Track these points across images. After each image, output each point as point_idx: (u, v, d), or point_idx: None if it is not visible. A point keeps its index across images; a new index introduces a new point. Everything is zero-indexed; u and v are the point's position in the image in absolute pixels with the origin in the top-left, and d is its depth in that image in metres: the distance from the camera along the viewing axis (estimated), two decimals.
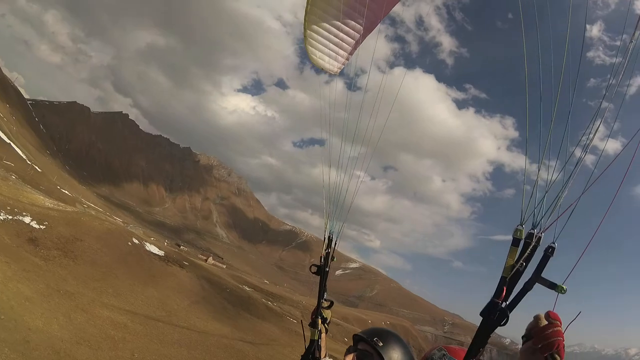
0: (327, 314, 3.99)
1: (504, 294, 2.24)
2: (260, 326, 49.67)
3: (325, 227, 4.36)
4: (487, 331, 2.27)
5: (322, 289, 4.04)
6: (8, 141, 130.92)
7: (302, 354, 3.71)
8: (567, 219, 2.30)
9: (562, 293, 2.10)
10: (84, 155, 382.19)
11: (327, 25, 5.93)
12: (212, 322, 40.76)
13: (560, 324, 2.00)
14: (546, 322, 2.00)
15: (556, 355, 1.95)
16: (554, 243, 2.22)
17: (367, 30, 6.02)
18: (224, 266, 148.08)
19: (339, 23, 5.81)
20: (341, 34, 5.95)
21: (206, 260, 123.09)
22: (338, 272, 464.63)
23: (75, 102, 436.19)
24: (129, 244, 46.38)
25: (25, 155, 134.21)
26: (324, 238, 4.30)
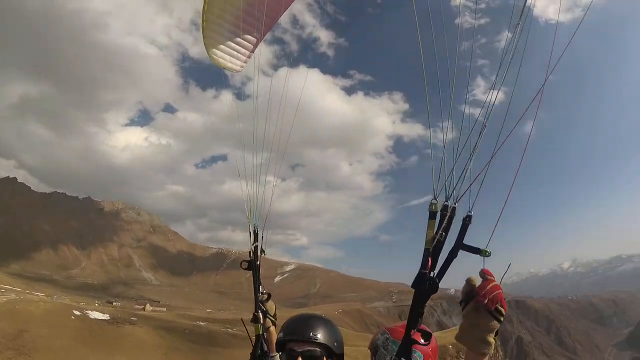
0: (268, 307, 3.91)
1: (429, 264, 2.30)
2: (231, 354, 49.21)
3: (249, 222, 4.36)
4: (422, 301, 2.32)
5: (257, 282, 4.00)
6: None
7: (251, 351, 3.62)
8: (479, 187, 2.36)
9: (487, 256, 2.15)
10: None
11: (226, 24, 5.83)
12: None
13: (494, 278, 2.08)
14: (480, 282, 2.09)
15: (500, 307, 2.04)
16: (470, 212, 2.33)
17: (267, 27, 5.96)
18: (164, 309, 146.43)
19: (238, 21, 5.68)
20: (240, 32, 5.83)
21: (144, 309, 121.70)
22: (277, 278, 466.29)
23: None
24: (73, 317, 43.97)
25: None
26: (249, 233, 4.30)
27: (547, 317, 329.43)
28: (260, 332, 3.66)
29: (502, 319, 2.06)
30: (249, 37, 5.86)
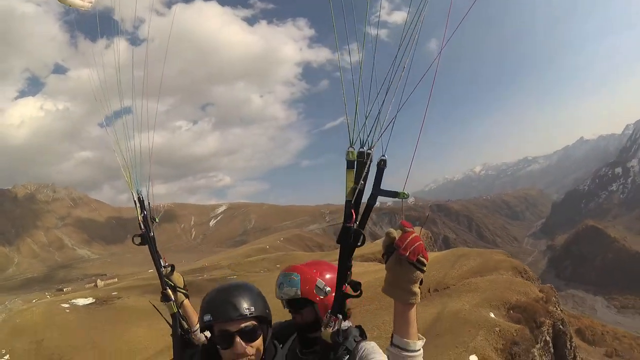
0: (176, 279, 3.56)
1: (354, 217, 2.24)
2: None
3: (131, 190, 3.92)
4: (349, 254, 2.30)
5: (155, 256, 3.62)
6: None
7: (171, 333, 3.29)
8: (390, 131, 2.23)
9: (405, 198, 2.15)
10: None
11: None
12: None
13: (414, 229, 2.05)
14: (399, 234, 2.05)
15: (422, 258, 2.00)
16: (384, 155, 2.24)
17: None
18: (115, 279, 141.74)
19: None
20: None
21: (96, 286, 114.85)
22: (211, 222, 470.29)
23: None
24: (68, 311, 46.52)
25: None
26: (134, 202, 3.88)
27: (466, 217, 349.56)
28: (176, 310, 3.40)
29: (424, 268, 2.04)
30: None
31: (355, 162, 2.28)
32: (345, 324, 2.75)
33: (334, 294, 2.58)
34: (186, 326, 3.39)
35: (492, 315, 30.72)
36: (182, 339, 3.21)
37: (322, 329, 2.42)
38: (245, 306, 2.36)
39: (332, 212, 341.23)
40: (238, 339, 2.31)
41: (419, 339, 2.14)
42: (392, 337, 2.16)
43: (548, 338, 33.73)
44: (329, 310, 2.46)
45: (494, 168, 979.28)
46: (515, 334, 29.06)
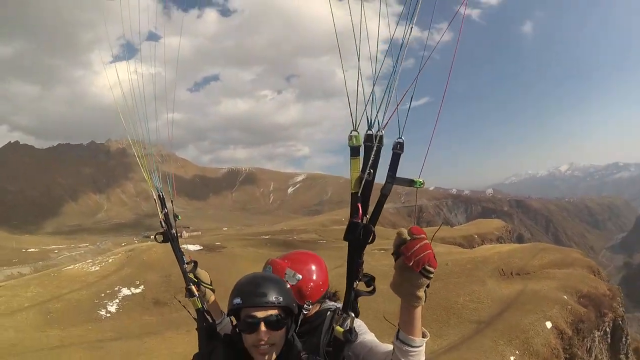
0: (201, 275, 3.43)
1: (360, 211, 2.07)
2: (325, 253, 51.60)
3: (151, 188, 3.68)
4: (358, 253, 2.12)
5: (179, 253, 3.51)
6: None
7: (196, 327, 3.20)
8: (409, 105, 1.98)
9: (420, 186, 1.95)
10: (2, 205, 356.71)
11: None
12: None
13: (425, 236, 1.92)
14: (410, 238, 1.94)
15: (428, 268, 1.91)
16: (400, 137, 1.99)
17: None
18: (199, 232, 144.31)
19: None
20: None
21: (181, 236, 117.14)
22: (289, 190, 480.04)
23: None
24: (189, 257, 49.35)
25: None
26: (154, 199, 3.66)
27: (545, 217, 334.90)
28: (200, 306, 3.28)
29: (431, 276, 1.94)
30: None
31: (362, 148, 2.05)
32: (330, 304, 3.04)
33: (312, 281, 2.93)
34: (211, 320, 3.27)
35: (565, 297, 35.33)
36: (207, 331, 3.13)
37: (334, 325, 2.37)
38: (275, 295, 2.39)
39: (408, 193, 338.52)
40: (263, 326, 2.33)
41: (422, 336, 2.19)
42: (397, 330, 2.20)
43: (608, 329, 37.52)
44: (339, 309, 2.42)
45: (581, 169, 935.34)
46: (582, 315, 33.65)
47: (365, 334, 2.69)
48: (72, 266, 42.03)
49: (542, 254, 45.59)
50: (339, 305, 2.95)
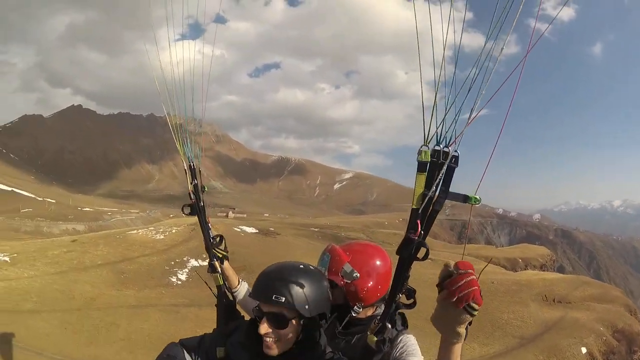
0: (220, 252, 3.45)
1: (419, 229, 1.96)
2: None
3: (182, 157, 3.63)
4: (406, 267, 2.09)
5: (205, 227, 3.48)
6: (7, 188, 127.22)
7: (216, 303, 3.30)
8: (468, 119, 1.91)
9: (476, 203, 1.86)
10: (60, 163, 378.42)
11: None
12: None
13: (473, 271, 1.82)
14: (456, 271, 1.83)
15: (473, 304, 1.81)
16: (456, 151, 1.92)
17: None
18: (244, 215, 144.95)
19: None
20: None
21: (227, 216, 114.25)
22: (336, 186, 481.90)
23: (25, 114, 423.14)
24: (242, 235, 50.12)
25: (31, 193, 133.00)
26: (185, 170, 3.61)
27: (589, 252, 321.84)
28: (222, 283, 3.34)
29: (475, 313, 1.84)
30: None
31: (429, 164, 1.95)
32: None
33: (370, 283, 2.67)
34: (231, 298, 3.33)
35: (601, 328, 35.81)
36: (226, 309, 3.14)
37: (367, 332, 2.32)
38: (279, 293, 2.19)
39: (453, 206, 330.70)
40: (264, 320, 2.22)
41: None
42: None
43: None
44: (378, 316, 2.40)
45: (635, 207, 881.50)
46: (614, 347, 34.72)
47: (414, 356, 2.47)
48: (135, 231, 43.14)
49: (584, 287, 46.11)
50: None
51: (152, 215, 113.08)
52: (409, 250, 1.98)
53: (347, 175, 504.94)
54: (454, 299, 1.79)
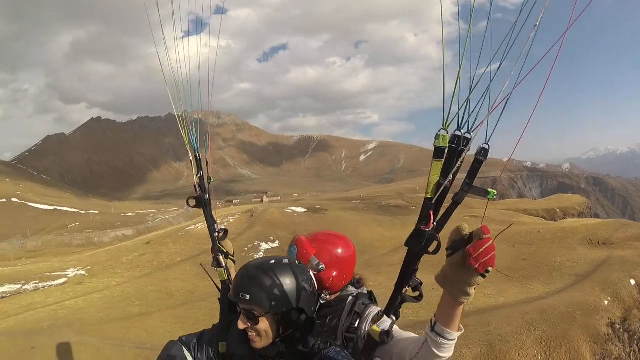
0: (226, 246, 3.31)
1: (432, 220, 1.85)
2: (410, 219, 46.52)
3: (188, 148, 3.46)
4: (415, 260, 2.00)
5: (210, 220, 3.33)
6: (50, 207, 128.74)
7: (219, 297, 3.10)
8: (502, 110, 1.70)
9: (492, 198, 1.77)
10: (90, 176, 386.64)
11: None
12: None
13: (491, 236, 1.77)
14: (469, 234, 1.81)
15: (489, 268, 1.78)
16: (486, 144, 1.79)
17: None
18: (279, 197, 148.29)
19: None
20: None
21: (262, 201, 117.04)
22: (362, 157, 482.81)
23: (47, 135, 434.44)
24: (295, 215, 50.88)
25: (73, 208, 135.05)
26: (191, 161, 3.44)
27: (623, 198, 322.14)
28: (226, 278, 3.20)
29: (487, 275, 1.80)
30: None
31: (447, 150, 1.80)
32: (352, 290, 2.89)
33: (335, 273, 2.76)
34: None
35: None
36: (229, 305, 2.91)
37: (371, 324, 2.36)
38: (245, 291, 2.19)
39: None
40: (241, 315, 2.24)
41: (458, 330, 2.10)
42: (433, 322, 2.08)
43: None
44: (344, 298, 2.60)
45: None
46: None
47: (383, 322, 2.39)
48: (194, 226, 44.96)
49: (624, 229, 46.95)
50: (361, 291, 2.91)
51: (192, 210, 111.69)
52: (420, 243, 1.88)
53: (371, 146, 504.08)
54: (477, 265, 1.77)
